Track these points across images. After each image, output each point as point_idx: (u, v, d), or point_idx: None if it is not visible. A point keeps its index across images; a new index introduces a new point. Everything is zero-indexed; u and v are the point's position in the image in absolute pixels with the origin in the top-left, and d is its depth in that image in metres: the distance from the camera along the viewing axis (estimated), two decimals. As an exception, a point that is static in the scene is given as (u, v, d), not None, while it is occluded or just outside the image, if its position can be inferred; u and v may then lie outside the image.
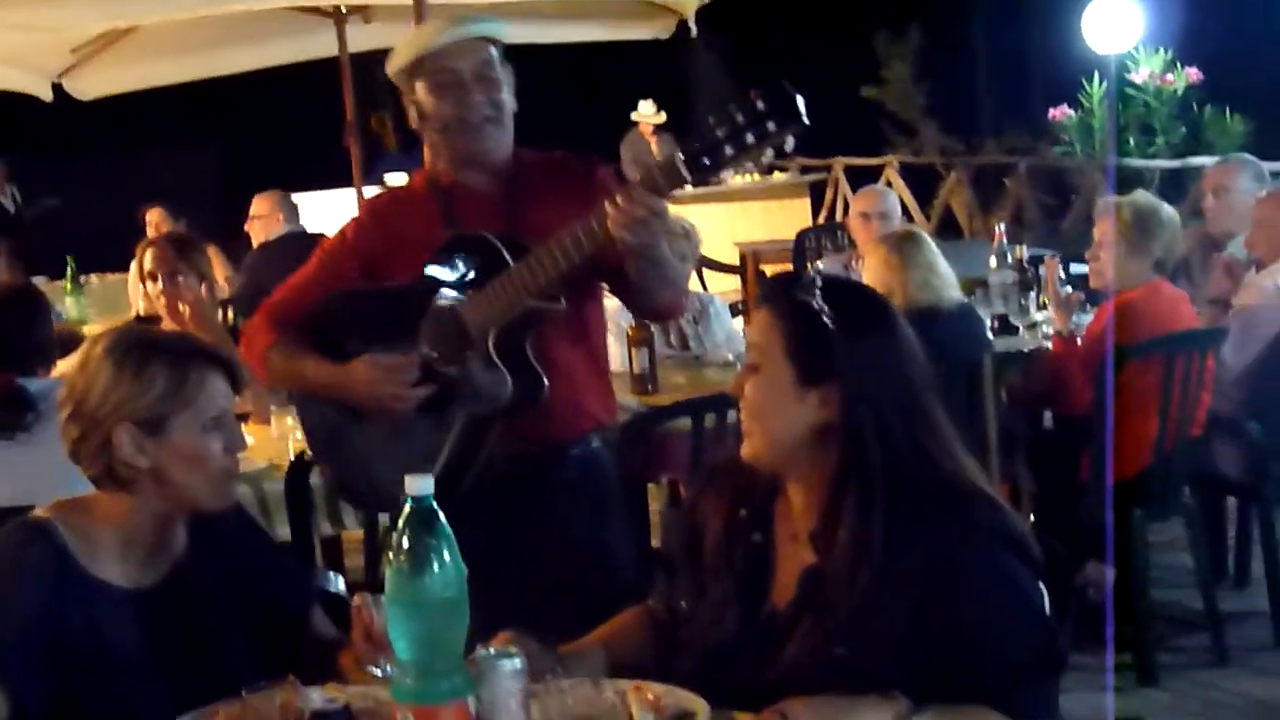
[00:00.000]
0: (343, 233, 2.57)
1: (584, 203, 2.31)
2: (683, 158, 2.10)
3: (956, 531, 1.58)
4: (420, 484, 1.44)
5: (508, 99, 2.43)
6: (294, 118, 11.09)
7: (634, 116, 10.33)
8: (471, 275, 2.35)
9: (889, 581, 1.57)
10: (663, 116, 10.29)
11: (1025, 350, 4.26)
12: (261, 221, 5.99)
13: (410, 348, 2.41)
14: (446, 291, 2.38)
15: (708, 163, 2.09)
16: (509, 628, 1.68)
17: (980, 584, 1.57)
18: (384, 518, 2.91)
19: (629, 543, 2.65)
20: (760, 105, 2.06)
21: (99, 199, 10.11)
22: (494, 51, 2.42)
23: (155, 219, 6.79)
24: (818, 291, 1.67)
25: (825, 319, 1.65)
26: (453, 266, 2.39)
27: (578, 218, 2.25)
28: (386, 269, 2.47)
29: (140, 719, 1.72)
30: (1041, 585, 1.62)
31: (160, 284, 3.71)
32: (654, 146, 10.23)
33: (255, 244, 5.93)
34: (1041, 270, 4.64)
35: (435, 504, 1.43)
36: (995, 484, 3.62)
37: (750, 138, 2.06)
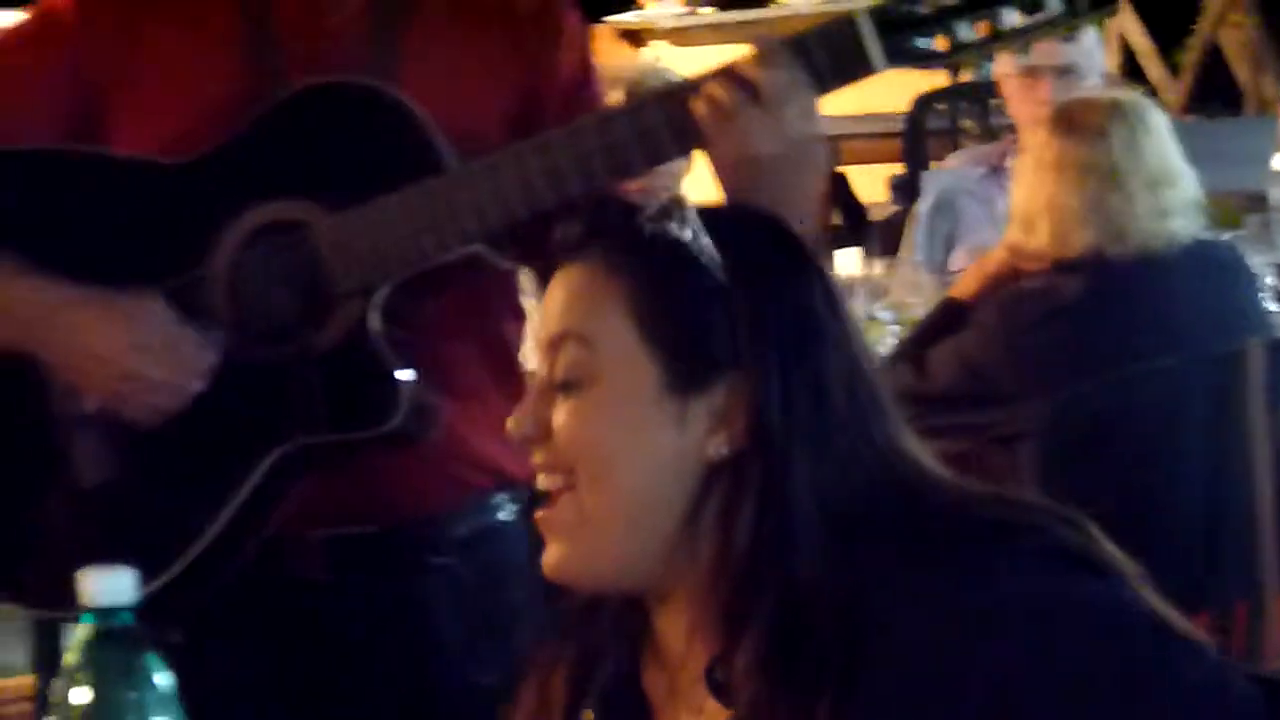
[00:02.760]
0: (48, 12, 1.94)
1: (529, 70, 1.87)
2: (872, 21, 1.64)
3: (965, 582, 1.19)
4: (110, 586, 1.15)
5: None
6: None
7: None
8: (345, 170, 1.78)
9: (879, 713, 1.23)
10: None
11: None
12: None
13: (187, 295, 1.80)
14: (282, 194, 1.81)
15: (924, 43, 1.64)
16: None
17: (1039, 660, 1.17)
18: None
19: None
20: None
21: None
22: None
23: None
24: (688, 217, 1.29)
25: (710, 265, 1.27)
26: (303, 144, 1.81)
27: (508, 98, 1.86)
28: (121, 110, 1.87)
29: None
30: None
31: None
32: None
33: None
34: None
35: (139, 625, 1.17)
36: (1271, 593, 3.03)
37: (1014, 15, 1.62)
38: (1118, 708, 1.21)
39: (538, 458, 1.32)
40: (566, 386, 1.30)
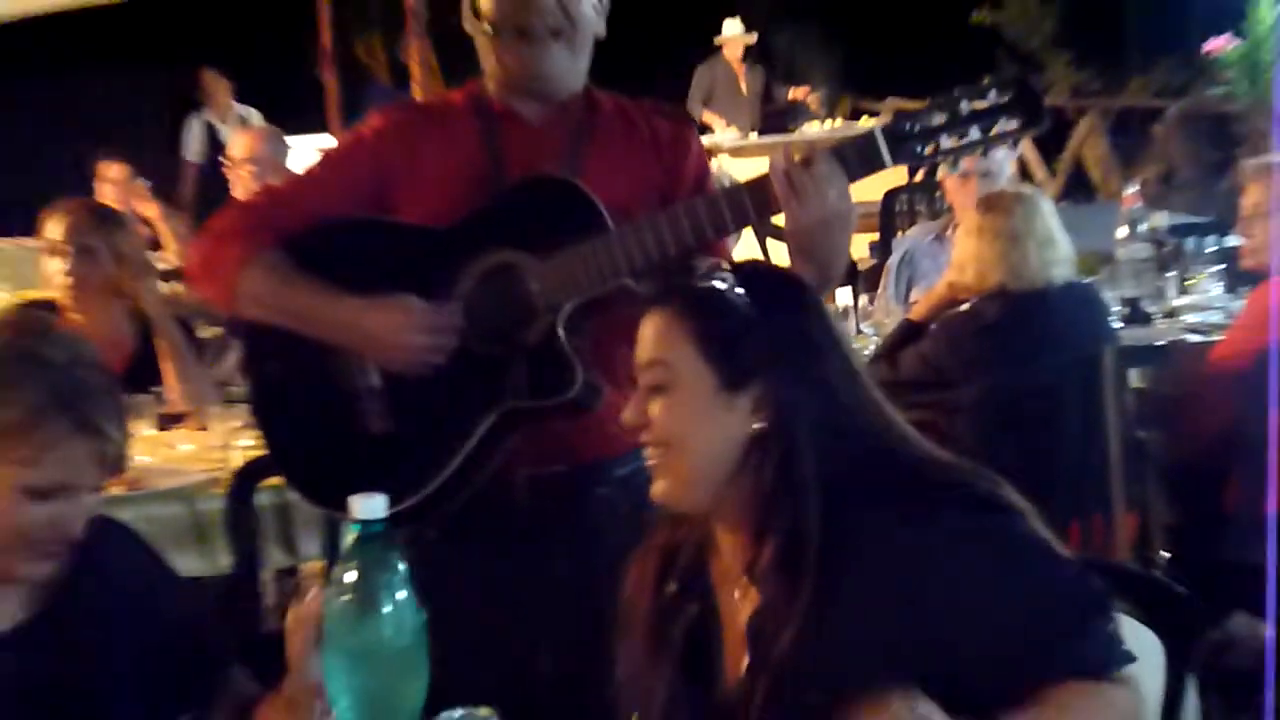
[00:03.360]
0: (359, 136, 2.26)
1: (666, 173, 2.17)
2: (884, 136, 1.94)
3: (915, 514, 1.49)
4: (369, 506, 1.36)
5: (589, 15, 2.16)
6: (254, 44, 9.90)
7: (718, 40, 9.67)
8: (545, 231, 2.06)
9: (851, 597, 1.46)
10: (753, 38, 9.60)
11: (1160, 344, 3.88)
12: (250, 171, 4.63)
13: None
14: (504, 247, 2.08)
15: (919, 149, 1.95)
16: (499, 696, 1.54)
17: (963, 566, 1.46)
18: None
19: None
20: (994, 96, 1.94)
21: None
22: None
23: (115, 175, 5.70)
24: (726, 275, 1.58)
25: (741, 305, 1.55)
26: (519, 215, 2.10)
27: (652, 190, 2.13)
28: (403, 197, 2.17)
29: None
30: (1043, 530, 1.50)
31: (67, 262, 3.38)
32: (741, 77, 9.64)
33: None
34: (1188, 243, 4.24)
35: (388, 532, 1.36)
36: (1119, 510, 3.49)
37: (976, 131, 1.95)
38: (1019, 602, 1.45)
39: (645, 437, 1.57)
40: (657, 390, 1.55)
